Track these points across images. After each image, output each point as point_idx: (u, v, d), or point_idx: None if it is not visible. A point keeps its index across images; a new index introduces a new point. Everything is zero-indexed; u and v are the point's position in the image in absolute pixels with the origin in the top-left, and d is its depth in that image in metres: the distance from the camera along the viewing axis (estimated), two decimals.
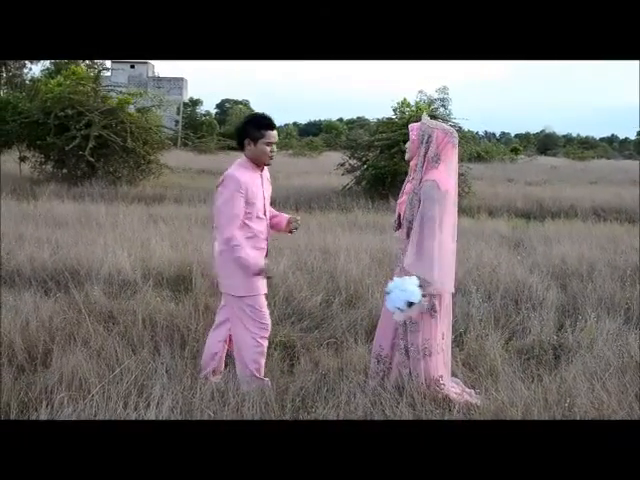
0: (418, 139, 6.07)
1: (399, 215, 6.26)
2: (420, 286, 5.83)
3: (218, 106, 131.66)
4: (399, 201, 6.27)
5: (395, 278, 6.03)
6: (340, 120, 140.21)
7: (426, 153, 6.02)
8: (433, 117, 6.88)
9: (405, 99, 28.34)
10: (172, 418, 5.37)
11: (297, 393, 6.02)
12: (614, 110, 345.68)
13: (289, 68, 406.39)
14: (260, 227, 6.36)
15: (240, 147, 6.41)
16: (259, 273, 6.24)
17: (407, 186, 6.20)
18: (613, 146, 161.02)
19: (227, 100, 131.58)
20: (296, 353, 7.24)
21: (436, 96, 28.85)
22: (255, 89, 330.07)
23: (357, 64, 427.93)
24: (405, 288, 5.84)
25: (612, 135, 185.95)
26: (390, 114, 28.20)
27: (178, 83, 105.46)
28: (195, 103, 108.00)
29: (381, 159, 25.10)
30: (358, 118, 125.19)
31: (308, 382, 6.24)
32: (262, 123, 6.33)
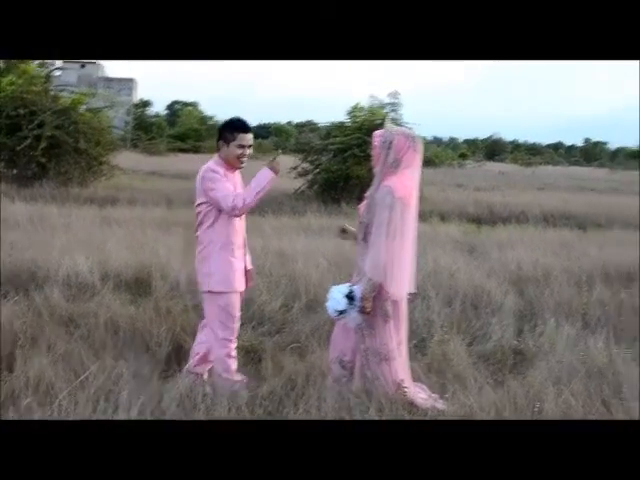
0: (380, 146, 6.10)
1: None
2: (350, 295, 5.96)
3: (168, 107, 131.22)
4: (360, 205, 6.31)
5: (333, 286, 6.17)
6: (289, 123, 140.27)
7: (387, 158, 6.04)
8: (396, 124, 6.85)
9: (358, 103, 28.45)
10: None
11: (266, 398, 6.02)
12: (561, 118, 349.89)
13: (237, 70, 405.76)
14: (237, 229, 6.57)
15: (217, 149, 6.59)
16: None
17: (368, 191, 6.24)
18: (559, 152, 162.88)
19: (177, 102, 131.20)
20: (259, 357, 7.23)
21: (387, 100, 28.78)
22: (205, 91, 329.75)
23: (306, 67, 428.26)
24: (333, 297, 6.03)
25: (558, 142, 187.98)
26: (341, 118, 28.25)
27: (128, 84, 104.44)
28: (145, 104, 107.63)
29: (334, 163, 25.15)
30: (308, 122, 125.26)
31: (277, 387, 6.25)
32: (235, 126, 6.49)
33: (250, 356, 7.29)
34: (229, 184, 6.42)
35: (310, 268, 10.29)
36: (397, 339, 6.19)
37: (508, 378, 6.54)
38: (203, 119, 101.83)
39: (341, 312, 5.99)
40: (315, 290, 9.30)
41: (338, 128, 27.38)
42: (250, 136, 6.51)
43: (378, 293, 6.00)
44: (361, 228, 6.18)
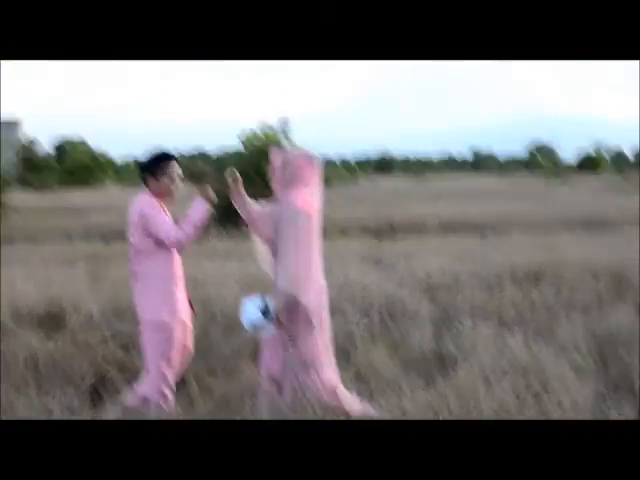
0: (279, 165, 6.22)
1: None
2: (264, 309, 6.02)
3: (55, 145, 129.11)
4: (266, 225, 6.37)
5: (244, 300, 6.27)
6: (179, 153, 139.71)
7: (285, 177, 6.15)
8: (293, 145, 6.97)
9: (251, 130, 28.53)
10: None
11: None
12: (449, 131, 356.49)
13: (121, 101, 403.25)
14: (177, 259, 6.60)
15: (144, 183, 6.54)
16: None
17: (271, 209, 6.31)
18: (449, 164, 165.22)
19: (64, 138, 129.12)
20: (184, 382, 7.12)
21: (277, 126, 29.07)
22: (91, 125, 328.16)
23: (192, 96, 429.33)
24: (246, 309, 6.12)
25: (447, 154, 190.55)
26: (233, 144, 28.34)
27: (13, 126, 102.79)
28: (32, 143, 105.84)
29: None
30: (197, 149, 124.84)
31: (211, 410, 6.23)
32: (162, 159, 6.51)
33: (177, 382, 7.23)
34: (167, 217, 6.43)
35: (223, 291, 10.23)
36: (323, 344, 6.27)
37: (436, 382, 6.62)
38: (91, 153, 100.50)
39: (256, 325, 6.04)
40: (231, 312, 9.24)
41: (233, 154, 27.41)
42: (177, 166, 6.54)
43: (298, 304, 6.05)
44: (271, 246, 6.24)
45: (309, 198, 6.17)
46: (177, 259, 6.56)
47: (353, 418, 5.83)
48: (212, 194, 6.46)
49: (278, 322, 6.01)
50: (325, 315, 6.35)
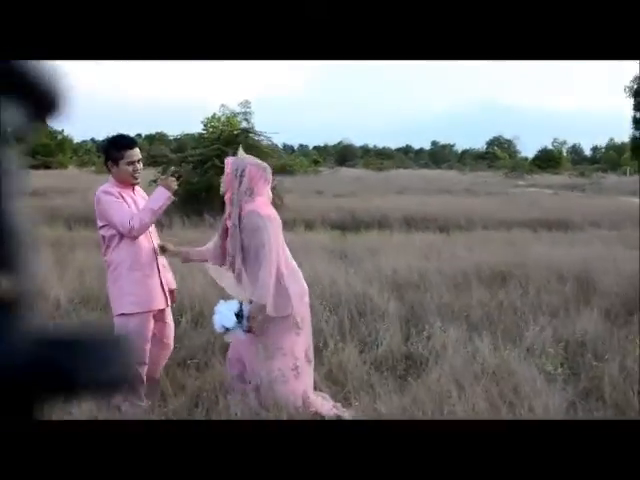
0: (232, 173, 6.22)
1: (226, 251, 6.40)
2: (238, 313, 6.00)
3: None
4: (226, 242, 6.37)
5: (221, 301, 6.21)
6: (139, 135, 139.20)
7: (239, 186, 6.16)
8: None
9: (215, 114, 28.42)
10: None
11: (175, 415, 5.97)
12: (408, 122, 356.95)
13: (81, 84, 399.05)
14: (144, 246, 6.47)
15: (107, 169, 6.52)
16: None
17: (227, 222, 6.31)
18: (409, 156, 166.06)
19: None
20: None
21: (239, 110, 28.88)
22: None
23: (151, 80, 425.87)
24: (220, 311, 6.08)
25: (407, 145, 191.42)
26: (195, 129, 28.25)
27: None
28: None
29: (194, 175, 24.94)
30: (157, 133, 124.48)
31: (184, 404, 6.21)
32: (120, 144, 6.45)
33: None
34: (125, 205, 6.36)
35: (190, 282, 10.18)
36: (308, 344, 6.38)
37: (407, 383, 6.65)
38: (51, 133, 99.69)
39: (227, 328, 6.01)
40: (200, 304, 9.21)
41: (196, 139, 27.28)
42: (137, 150, 6.48)
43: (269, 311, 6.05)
44: (228, 259, 6.29)
45: (262, 204, 6.20)
46: (149, 246, 6.47)
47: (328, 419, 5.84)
48: (172, 182, 6.43)
49: (249, 329, 6.00)
50: (308, 319, 6.40)
